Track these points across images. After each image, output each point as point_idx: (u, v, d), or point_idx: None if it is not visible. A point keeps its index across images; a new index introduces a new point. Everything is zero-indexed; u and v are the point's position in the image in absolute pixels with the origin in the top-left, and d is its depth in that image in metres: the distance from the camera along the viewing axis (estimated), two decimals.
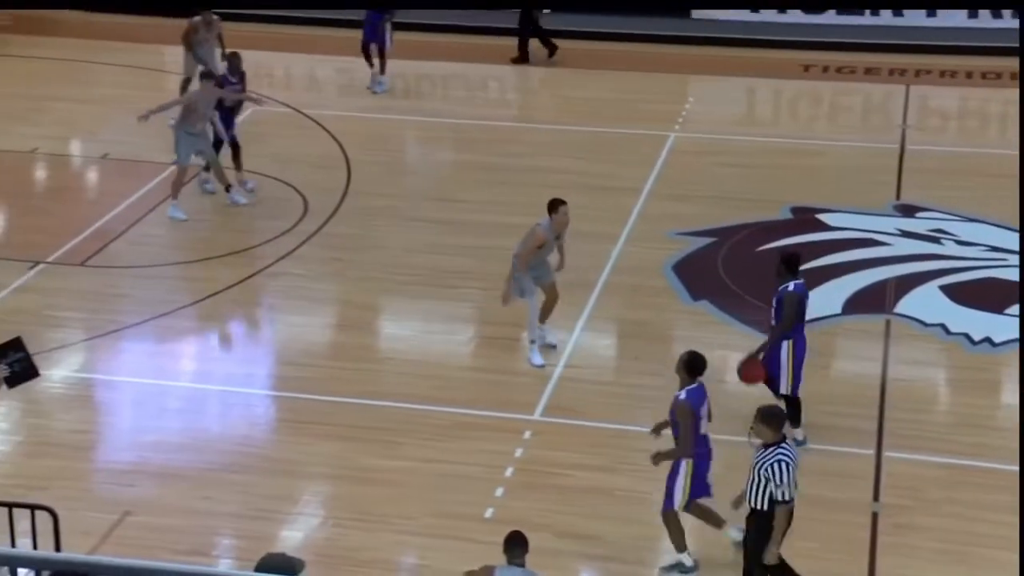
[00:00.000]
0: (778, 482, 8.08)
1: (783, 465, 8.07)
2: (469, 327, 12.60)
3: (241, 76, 15.03)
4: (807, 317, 10.38)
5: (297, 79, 19.98)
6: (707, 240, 14.08)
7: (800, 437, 10.33)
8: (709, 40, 20.65)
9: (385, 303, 13.15)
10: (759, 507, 8.27)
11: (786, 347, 10.27)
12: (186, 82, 16.60)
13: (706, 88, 19.50)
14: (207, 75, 14.59)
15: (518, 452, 10.46)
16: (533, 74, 20.07)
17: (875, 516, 9.71)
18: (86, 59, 19.75)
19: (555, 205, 11.53)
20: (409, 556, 9.38)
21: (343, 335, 12.47)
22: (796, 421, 10.31)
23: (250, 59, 19.78)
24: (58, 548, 7.76)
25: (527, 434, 10.68)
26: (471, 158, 16.52)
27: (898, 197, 15.16)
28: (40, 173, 16.29)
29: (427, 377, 11.56)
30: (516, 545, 7.72)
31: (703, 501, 9.02)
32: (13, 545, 7.79)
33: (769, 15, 21.04)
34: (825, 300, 12.56)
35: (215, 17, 16.57)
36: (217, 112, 14.64)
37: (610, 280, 13.26)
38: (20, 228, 14.67)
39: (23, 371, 8.55)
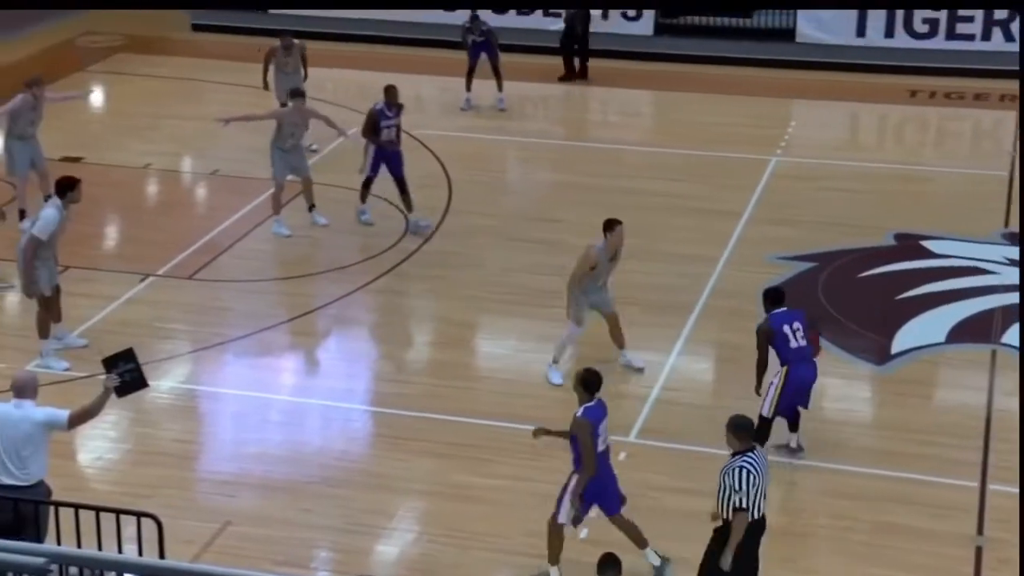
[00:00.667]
0: (737, 488, 8.08)
1: (743, 472, 8.07)
2: (566, 347, 12.62)
3: (398, 109, 14.54)
4: (792, 344, 10.25)
5: (402, 99, 20.18)
6: (807, 265, 13.95)
7: (794, 444, 10.52)
8: (813, 64, 20.49)
9: (483, 321, 13.26)
10: (726, 516, 8.26)
11: (781, 373, 10.30)
12: (282, 106, 16.77)
13: (809, 112, 19.34)
14: (297, 93, 14.70)
15: None
16: (636, 97, 20.11)
17: (979, 550, 9.53)
18: (198, 78, 20.25)
19: (611, 225, 11.46)
20: (503, 575, 9.43)
21: (441, 352, 12.59)
22: (763, 440, 10.11)
23: (352, 79, 20.27)
24: (162, 555, 7.95)
25: (622, 455, 10.65)
26: (571, 179, 16.59)
27: (1006, 225, 14.87)
28: (152, 188, 16.72)
29: (523, 396, 11.62)
30: (609, 566, 7.72)
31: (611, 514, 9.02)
32: (120, 551, 8.00)
33: (876, 39, 20.79)
34: (928, 329, 12.38)
35: (295, 41, 16.77)
36: (372, 148, 14.37)
37: (708, 303, 13.22)
38: (132, 241, 15.08)
39: (133, 381, 8.78)
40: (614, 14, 21.25)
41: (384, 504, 10.08)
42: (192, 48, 21.75)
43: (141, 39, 22.01)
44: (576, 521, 8.96)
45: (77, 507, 7.95)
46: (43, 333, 11.94)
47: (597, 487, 8.87)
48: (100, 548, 7.79)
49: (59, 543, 7.93)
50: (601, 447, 8.80)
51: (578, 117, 19.68)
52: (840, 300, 13.16)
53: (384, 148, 14.44)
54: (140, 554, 8.02)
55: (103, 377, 8.72)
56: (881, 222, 14.95)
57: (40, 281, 11.70)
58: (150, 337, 12.55)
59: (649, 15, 21.21)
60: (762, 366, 10.39)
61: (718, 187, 16.10)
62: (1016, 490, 10.10)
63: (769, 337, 10.33)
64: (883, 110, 19.27)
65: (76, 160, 16.57)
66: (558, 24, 20.13)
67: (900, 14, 20.56)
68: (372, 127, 14.39)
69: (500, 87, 18.70)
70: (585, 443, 8.69)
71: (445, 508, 10.04)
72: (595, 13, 20.28)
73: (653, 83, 20.29)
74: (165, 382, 11.85)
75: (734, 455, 8.23)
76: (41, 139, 14.74)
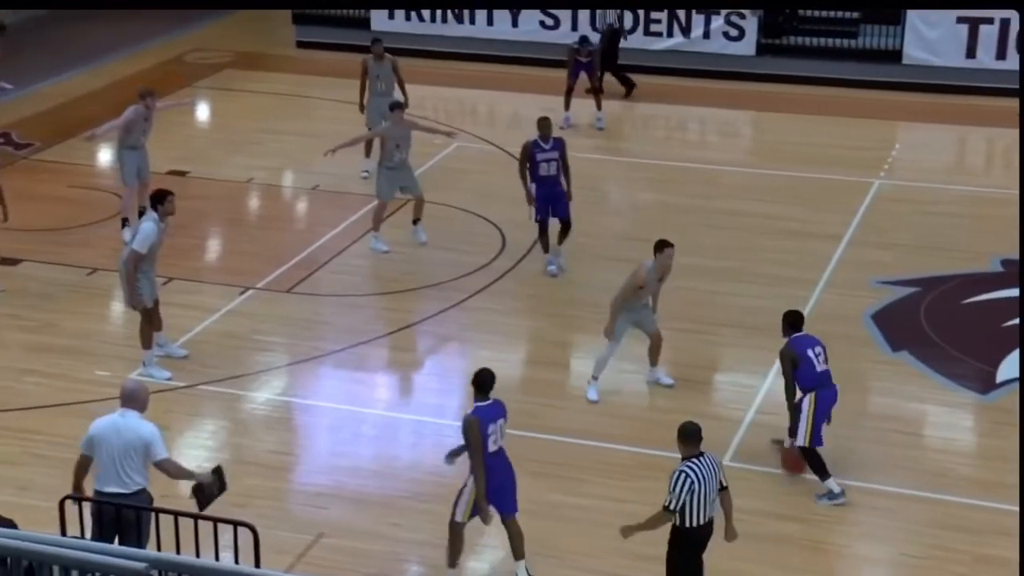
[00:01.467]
0: (671, 489, 8.29)
1: (681, 476, 8.28)
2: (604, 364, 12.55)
3: (555, 142, 13.84)
4: (818, 368, 10.25)
5: (500, 116, 20.34)
6: (910, 290, 13.69)
7: (837, 489, 10.21)
8: (919, 86, 20.15)
9: (578, 340, 13.22)
10: (674, 519, 8.42)
11: (809, 399, 10.19)
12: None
13: (915, 135, 19.01)
14: (395, 105, 14.71)
15: None
16: (737, 117, 19.96)
17: None
18: (302, 94, 20.56)
19: (661, 246, 11.45)
20: None
21: (535, 371, 12.58)
22: (821, 473, 10.16)
23: (453, 96, 20.43)
24: (258, 564, 8.03)
25: None
26: (668, 199, 16.50)
27: None
28: (254, 202, 17.00)
29: (616, 416, 11.56)
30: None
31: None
32: (217, 559, 8.11)
33: (986, 60, 20.35)
34: None
35: (387, 53, 16.74)
36: (533, 187, 13.76)
37: (806, 327, 12.99)
38: (233, 254, 15.33)
39: (213, 493, 8.78)
40: (715, 33, 21.12)
41: (475, 521, 10.07)
42: (296, 64, 22.10)
43: (248, 55, 22.43)
44: (486, 519, 9.09)
45: (177, 514, 8.08)
46: (146, 344, 12.18)
47: (493, 486, 8.98)
48: (198, 555, 7.91)
49: (159, 549, 8.07)
50: (493, 447, 8.89)
51: (677, 137, 19.58)
52: (943, 326, 12.89)
53: (544, 185, 13.82)
54: (236, 563, 8.13)
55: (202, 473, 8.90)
56: (987, 247, 14.62)
57: (143, 294, 11.95)
58: (248, 349, 12.75)
59: (752, 35, 21.03)
60: (791, 392, 10.37)
61: (818, 209, 15.89)
62: None
63: (795, 362, 10.30)
64: (991, 133, 18.86)
65: (182, 174, 16.92)
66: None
67: (1012, 36, 20.08)
68: (527, 163, 13.77)
69: (599, 106, 18.69)
70: (471, 442, 8.84)
71: (536, 526, 9.99)
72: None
73: (754, 103, 20.12)
74: (262, 394, 12.01)
75: (682, 460, 8.41)
76: (149, 151, 15.08)
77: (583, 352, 13.08)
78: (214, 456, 11.11)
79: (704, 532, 8.45)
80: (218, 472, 8.85)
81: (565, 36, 20.87)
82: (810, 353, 10.29)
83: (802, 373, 10.28)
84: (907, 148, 18.34)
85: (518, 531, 9.22)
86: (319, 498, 10.44)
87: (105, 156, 17.70)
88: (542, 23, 21.56)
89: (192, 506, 8.66)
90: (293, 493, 10.58)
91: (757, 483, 10.52)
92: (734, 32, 21.11)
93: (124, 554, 5.47)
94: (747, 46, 21.12)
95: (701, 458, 8.35)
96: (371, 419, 11.77)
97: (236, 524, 8.11)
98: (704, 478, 8.28)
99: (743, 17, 20.93)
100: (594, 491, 10.44)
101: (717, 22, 21.06)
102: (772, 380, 12.04)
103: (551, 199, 13.91)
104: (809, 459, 10.25)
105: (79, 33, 23.21)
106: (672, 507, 8.30)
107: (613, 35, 19.91)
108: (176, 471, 8.75)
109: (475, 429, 8.81)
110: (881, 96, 20.04)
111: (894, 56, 20.74)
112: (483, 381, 8.96)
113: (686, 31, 21.23)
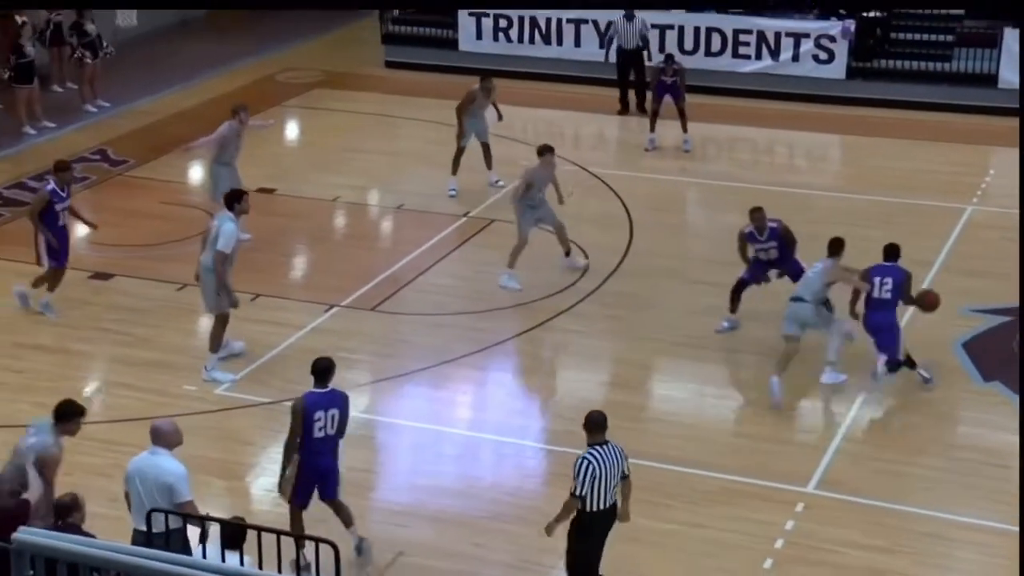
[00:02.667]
0: (575, 476, 8.69)
1: (584, 463, 8.67)
2: (743, 392, 12.42)
3: (770, 232, 13.01)
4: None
5: (585, 138, 20.32)
6: (1002, 319, 13.40)
7: (927, 375, 12.03)
8: (1015, 111, 19.72)
9: (660, 363, 13.13)
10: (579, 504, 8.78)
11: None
12: (460, 152, 16.80)
13: (1010, 161, 18.59)
14: (546, 149, 14.42)
15: (789, 524, 10.20)
16: (827, 141, 19.74)
17: None
18: (389, 113, 20.72)
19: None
20: None
21: (616, 393, 12.52)
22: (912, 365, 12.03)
23: (541, 116, 20.44)
24: None
25: (799, 506, 10.40)
26: None
27: None
28: (340, 220, 17.15)
29: (698, 440, 11.46)
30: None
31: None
32: (298, 575, 8.16)
33: None
34: None
35: (494, 83, 16.85)
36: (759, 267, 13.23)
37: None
38: (319, 272, 15.47)
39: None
40: (805, 56, 20.91)
41: (556, 543, 10.02)
42: (385, 84, 22.29)
43: (337, 75, 22.69)
44: (301, 506, 9.43)
45: (260, 530, 8.13)
46: (216, 347, 12.40)
47: (320, 471, 9.37)
48: (279, 571, 7.95)
49: (241, 563, 8.12)
50: (319, 434, 9.23)
51: (765, 160, 19.40)
52: None
53: (757, 267, 13.28)
54: None
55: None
56: None
57: (231, 296, 12.17)
58: None
59: (842, 58, 20.79)
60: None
61: (910, 235, 15.56)
62: None
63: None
64: None
65: (270, 191, 17.14)
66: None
67: None
68: (743, 248, 13.33)
69: (685, 128, 18.60)
70: (292, 424, 9.26)
71: (616, 550, 9.90)
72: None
73: (844, 127, 19.88)
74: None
75: (588, 447, 8.78)
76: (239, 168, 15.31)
77: (665, 375, 12.99)
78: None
79: (605, 518, 8.82)
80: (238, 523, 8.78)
81: (652, 58, 20.84)
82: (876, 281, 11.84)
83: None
84: (1001, 174, 17.96)
85: (341, 506, 9.66)
86: (399, 516, 10.46)
87: (196, 173, 18.01)
88: None
89: (274, 521, 8.72)
90: (374, 511, 10.62)
91: (843, 512, 10.35)
92: (824, 55, 20.88)
93: (203, 567, 5.53)
94: (837, 69, 20.86)
95: (605, 446, 8.74)
96: (453, 439, 11.78)
97: (318, 541, 8.14)
98: (606, 465, 8.67)
99: (833, 40, 20.72)
100: (676, 516, 10.34)
101: (807, 45, 20.86)
102: (859, 408, 11.86)
103: (759, 271, 13.31)
104: (906, 362, 12.05)
105: (173, 52, 23.67)
106: (578, 493, 8.69)
107: (628, 55, 20.00)
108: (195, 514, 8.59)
109: (297, 412, 9.24)
110: (975, 121, 19.69)
111: (989, 80, 20.36)
112: (321, 369, 9.38)
113: (775, 54, 21.06)
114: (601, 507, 8.73)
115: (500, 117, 17.11)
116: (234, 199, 12.31)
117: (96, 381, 11.65)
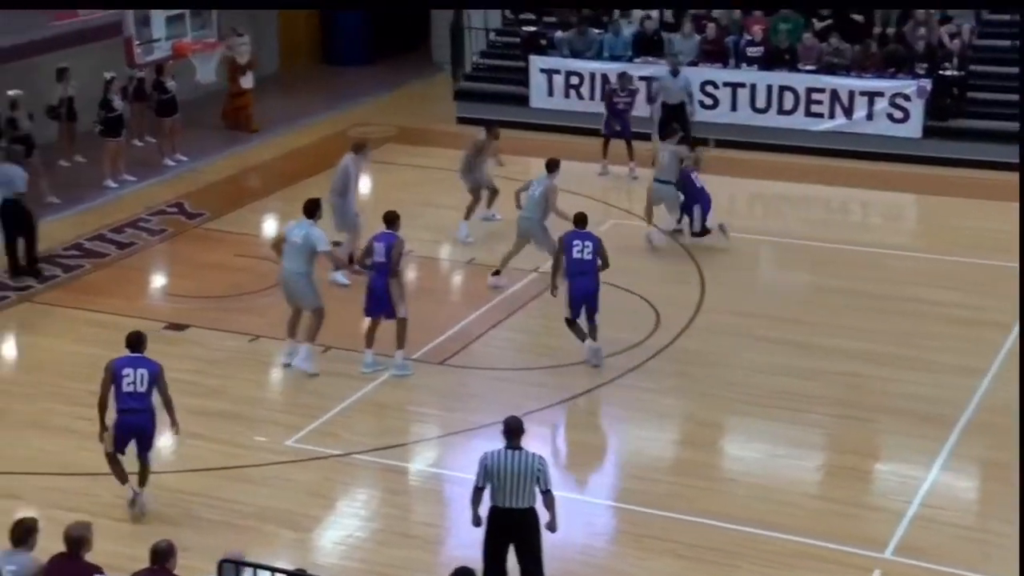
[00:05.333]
0: (477, 471, 9.39)
1: (481, 457, 9.37)
2: (817, 453, 12.24)
3: None
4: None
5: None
6: None
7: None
8: None
9: (730, 422, 13.00)
10: None
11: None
12: (475, 202, 17.53)
13: None
14: (557, 164, 15.47)
15: None
16: (902, 200, 19.56)
17: None
18: (459, 169, 20.81)
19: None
20: None
21: (686, 451, 12.40)
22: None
23: (608, 171, 20.43)
24: None
25: (876, 573, 10.20)
26: (827, 281, 16.16)
27: None
28: (409, 274, 17.18)
29: (770, 501, 11.29)
30: None
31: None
32: None
33: None
34: None
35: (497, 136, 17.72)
36: None
37: (975, 418, 12.56)
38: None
39: None
40: (879, 114, 20.76)
41: (471, 528, 9.89)
42: (456, 140, 22.39)
43: (410, 130, 22.91)
44: (118, 451, 10.90)
45: None
46: (313, 337, 13.56)
47: (131, 425, 10.79)
48: None
49: None
50: (128, 388, 10.71)
51: (837, 219, 19.25)
52: None
53: None
54: None
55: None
56: None
57: (319, 294, 13.61)
58: (402, 420, 12.88)
59: (917, 117, 20.61)
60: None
61: (986, 296, 15.39)
62: None
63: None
64: None
65: (338, 244, 17.26)
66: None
67: None
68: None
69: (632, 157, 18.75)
70: (101, 385, 10.79)
71: None
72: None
73: (920, 186, 19.68)
74: (415, 465, 12.09)
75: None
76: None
77: (733, 434, 12.85)
78: (365, 525, 11.20)
79: (506, 518, 9.30)
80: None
81: (722, 114, 20.89)
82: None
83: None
84: None
85: (146, 466, 11.00)
86: None
87: (270, 226, 18.23)
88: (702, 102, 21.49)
89: (339, 575, 8.68)
90: (443, 566, 10.52)
91: None
92: (899, 114, 20.73)
93: None
94: (913, 128, 20.69)
95: (514, 451, 9.27)
96: None
97: None
98: (504, 467, 9.20)
99: (908, 99, 20.58)
100: None
101: (881, 104, 20.74)
102: (937, 472, 11.64)
103: None
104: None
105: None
106: (477, 484, 9.35)
107: (672, 110, 20.12)
108: None
109: (107, 371, 10.80)
110: None
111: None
112: (134, 341, 10.93)
113: (848, 112, 20.96)
114: (503, 505, 9.28)
115: (501, 163, 17.96)
116: (317, 206, 13.65)
117: (168, 431, 11.74)
